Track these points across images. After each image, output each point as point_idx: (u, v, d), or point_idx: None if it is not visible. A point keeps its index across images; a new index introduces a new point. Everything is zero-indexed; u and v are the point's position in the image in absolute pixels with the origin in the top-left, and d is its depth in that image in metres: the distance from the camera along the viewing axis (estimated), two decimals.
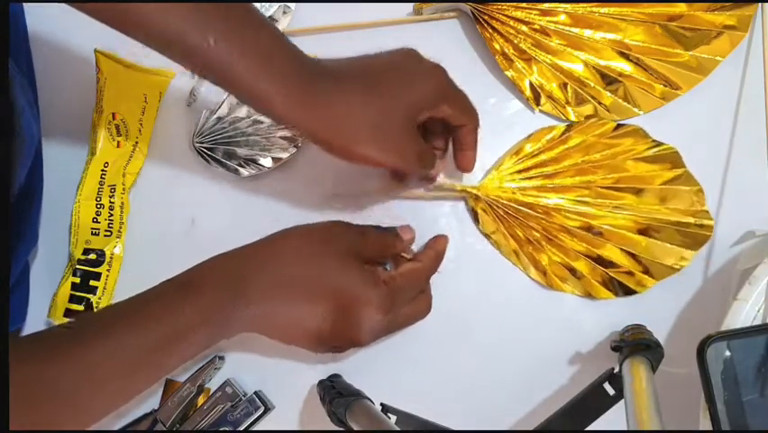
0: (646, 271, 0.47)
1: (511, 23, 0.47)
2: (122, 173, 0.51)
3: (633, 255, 0.47)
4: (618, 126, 0.47)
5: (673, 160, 0.47)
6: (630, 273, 0.47)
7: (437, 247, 0.47)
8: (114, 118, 0.51)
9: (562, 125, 0.48)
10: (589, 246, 0.47)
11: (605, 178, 0.47)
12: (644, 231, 0.47)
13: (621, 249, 0.47)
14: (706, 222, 0.46)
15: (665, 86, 0.47)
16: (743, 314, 0.42)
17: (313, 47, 0.50)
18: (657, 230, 0.46)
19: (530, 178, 0.48)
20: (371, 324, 0.41)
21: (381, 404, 0.47)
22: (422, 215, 0.50)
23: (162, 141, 0.52)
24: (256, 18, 0.37)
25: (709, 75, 0.46)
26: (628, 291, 0.48)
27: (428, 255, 0.46)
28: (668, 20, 0.46)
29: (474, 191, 0.48)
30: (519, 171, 0.48)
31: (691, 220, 0.46)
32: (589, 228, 0.47)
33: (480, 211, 0.49)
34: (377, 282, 0.41)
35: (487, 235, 0.49)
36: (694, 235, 0.46)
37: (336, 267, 0.40)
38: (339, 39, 0.51)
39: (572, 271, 0.48)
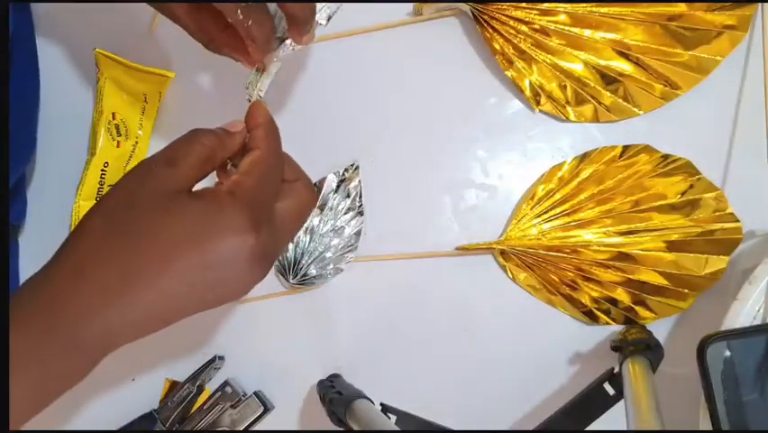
0: (686, 287, 0.47)
1: (511, 22, 0.47)
2: (122, 173, 0.51)
3: (669, 274, 0.47)
4: (626, 148, 0.47)
5: (687, 169, 0.47)
6: (670, 292, 0.47)
7: (257, 121, 0.35)
8: (113, 118, 0.51)
9: (571, 160, 0.48)
10: (625, 274, 0.47)
11: (624, 202, 0.47)
12: (674, 248, 0.46)
13: (656, 270, 0.47)
14: (732, 225, 0.46)
15: (665, 86, 0.47)
16: (743, 314, 0.42)
17: (314, 50, 0.50)
18: (687, 244, 0.46)
19: (551, 219, 0.48)
20: (251, 251, 0.31)
21: (381, 404, 0.47)
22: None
23: (162, 141, 0.52)
24: None
25: (709, 75, 0.46)
26: (671, 310, 0.47)
27: (258, 136, 0.35)
28: (668, 20, 0.46)
29: (498, 246, 0.48)
30: (538, 216, 0.48)
31: (718, 226, 0.46)
32: (620, 257, 0.47)
33: (508, 265, 0.49)
34: (220, 202, 0.31)
35: (521, 287, 0.49)
36: (724, 241, 0.46)
37: (161, 216, 0.30)
38: (341, 42, 0.51)
39: (613, 302, 0.48)
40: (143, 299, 0.29)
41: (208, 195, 0.31)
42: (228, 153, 0.34)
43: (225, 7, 0.34)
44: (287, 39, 0.37)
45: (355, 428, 0.43)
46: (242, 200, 0.31)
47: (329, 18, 0.38)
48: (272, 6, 0.37)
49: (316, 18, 0.37)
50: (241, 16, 0.34)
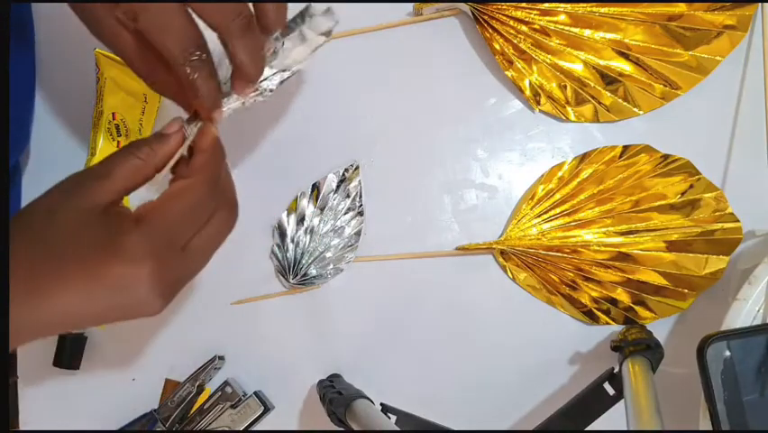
0: (686, 287, 0.47)
1: (511, 22, 0.47)
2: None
3: (669, 274, 0.47)
4: (626, 148, 0.48)
5: (687, 169, 0.47)
6: (670, 292, 0.47)
7: (200, 146, 0.34)
8: (114, 118, 0.51)
9: (571, 160, 0.48)
10: (625, 274, 0.47)
11: (624, 202, 0.47)
12: (674, 248, 0.46)
13: (656, 270, 0.47)
14: (732, 225, 0.46)
15: (665, 86, 0.47)
16: (743, 314, 0.42)
17: (315, 53, 0.50)
18: (688, 244, 0.46)
19: (551, 219, 0.48)
20: (148, 282, 0.31)
21: (381, 404, 0.47)
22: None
23: None
24: None
25: (709, 75, 0.46)
26: (671, 310, 0.48)
27: (196, 163, 0.33)
28: (668, 20, 0.46)
29: (498, 246, 0.48)
30: (538, 216, 0.48)
31: (718, 226, 0.46)
32: (620, 257, 0.47)
33: (508, 265, 0.49)
34: (123, 227, 0.31)
35: (521, 287, 0.49)
36: (724, 241, 0.46)
37: (71, 230, 0.30)
38: (341, 42, 0.51)
39: (613, 302, 0.48)
40: (45, 307, 0.30)
41: (116, 217, 0.31)
42: (162, 160, 0.33)
43: (172, 57, 0.32)
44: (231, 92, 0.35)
45: (355, 428, 0.43)
46: (147, 229, 0.31)
47: (281, 82, 0.37)
48: (218, 52, 0.34)
49: (268, 83, 0.36)
50: (188, 69, 0.33)
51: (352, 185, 0.50)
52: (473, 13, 0.47)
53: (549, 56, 0.48)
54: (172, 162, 0.33)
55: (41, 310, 0.30)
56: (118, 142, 0.51)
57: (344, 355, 0.52)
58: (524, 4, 0.47)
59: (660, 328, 0.48)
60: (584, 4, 0.46)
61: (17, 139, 0.52)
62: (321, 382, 0.50)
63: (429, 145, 0.50)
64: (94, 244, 0.30)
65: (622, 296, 0.48)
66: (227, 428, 0.51)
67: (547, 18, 0.47)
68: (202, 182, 0.33)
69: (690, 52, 0.46)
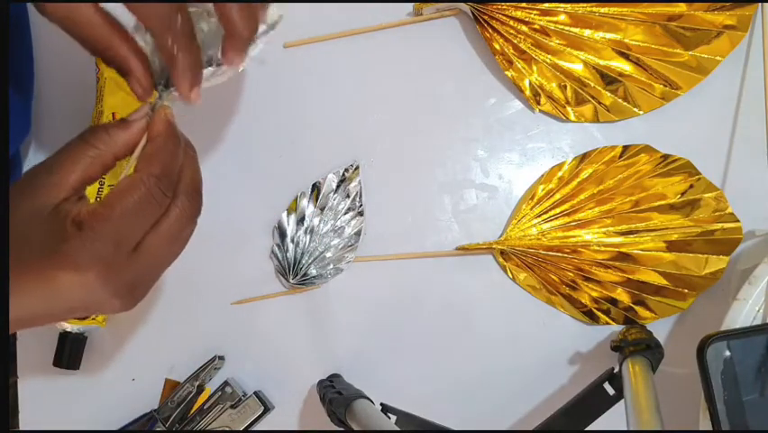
0: (686, 287, 0.47)
1: (511, 22, 0.47)
2: (122, 173, 0.51)
3: (669, 274, 0.47)
4: (626, 148, 0.48)
5: (687, 169, 0.47)
6: (670, 292, 0.47)
7: (154, 132, 0.32)
8: (113, 118, 0.50)
9: (571, 160, 0.48)
10: (625, 274, 0.47)
11: (624, 202, 0.47)
12: (674, 248, 0.46)
13: (656, 270, 0.47)
14: (732, 225, 0.46)
15: (665, 86, 0.47)
16: (743, 314, 0.42)
17: (314, 50, 0.50)
18: (688, 244, 0.46)
19: (550, 219, 0.48)
20: (98, 286, 0.29)
21: (381, 404, 0.47)
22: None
23: None
24: None
25: (709, 75, 0.46)
26: (671, 310, 0.48)
27: (147, 152, 0.31)
28: (668, 20, 0.46)
29: (499, 246, 0.48)
30: (538, 216, 0.48)
31: (718, 226, 0.46)
32: (620, 257, 0.47)
33: (508, 265, 0.49)
34: (65, 234, 0.29)
35: (521, 287, 0.49)
36: (724, 241, 0.46)
37: (23, 231, 0.29)
38: (341, 42, 0.51)
39: (613, 302, 0.48)
40: (9, 305, 0.29)
41: (62, 219, 0.29)
42: (122, 149, 0.31)
43: (151, 24, 0.30)
44: (172, 87, 0.33)
45: (355, 428, 0.43)
46: (89, 234, 0.29)
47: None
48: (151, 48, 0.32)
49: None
50: (169, 39, 0.31)
51: (352, 185, 0.50)
52: (473, 13, 0.47)
53: (549, 56, 0.48)
54: (138, 150, 0.31)
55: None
56: None
57: (344, 355, 0.52)
58: (524, 4, 0.47)
59: (660, 328, 0.48)
60: (584, 4, 0.46)
61: (17, 129, 0.52)
62: (321, 382, 0.50)
63: (429, 145, 0.50)
64: (41, 248, 0.29)
65: (622, 296, 0.48)
66: (227, 428, 0.51)
67: (547, 18, 0.47)
68: (149, 175, 0.30)
69: (690, 52, 0.46)
